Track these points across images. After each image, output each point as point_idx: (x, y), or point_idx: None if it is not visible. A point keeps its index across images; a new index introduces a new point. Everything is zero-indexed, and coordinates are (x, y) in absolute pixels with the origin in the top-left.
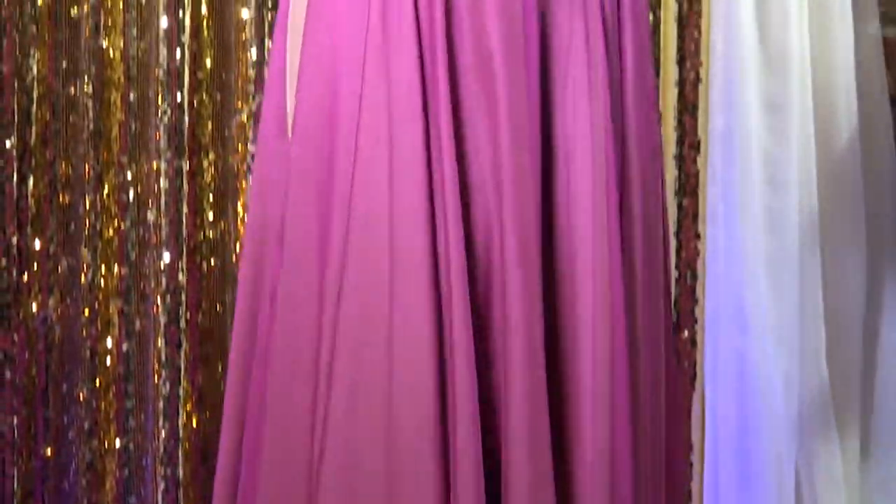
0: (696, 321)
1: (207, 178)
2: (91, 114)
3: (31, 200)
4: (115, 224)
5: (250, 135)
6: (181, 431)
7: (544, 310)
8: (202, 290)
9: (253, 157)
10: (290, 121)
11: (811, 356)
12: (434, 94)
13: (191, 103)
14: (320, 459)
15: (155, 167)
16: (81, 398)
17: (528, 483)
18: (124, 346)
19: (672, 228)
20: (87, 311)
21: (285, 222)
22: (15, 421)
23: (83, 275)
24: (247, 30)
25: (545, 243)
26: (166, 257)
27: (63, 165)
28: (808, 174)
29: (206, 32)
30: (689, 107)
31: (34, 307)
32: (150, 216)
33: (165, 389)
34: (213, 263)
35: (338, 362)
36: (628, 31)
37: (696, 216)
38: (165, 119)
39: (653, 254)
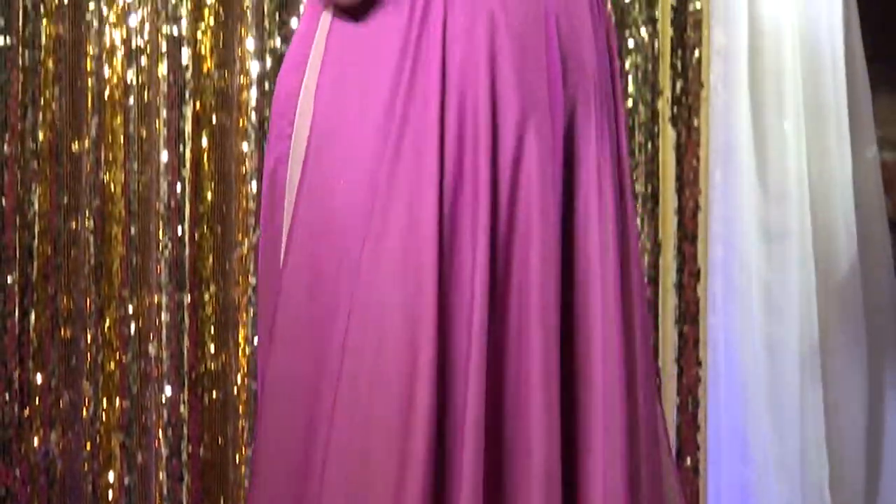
0: (698, 448)
1: (209, 310)
2: (92, 248)
3: (32, 335)
4: (117, 357)
5: (251, 267)
6: None
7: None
8: (204, 423)
9: (254, 289)
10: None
11: (814, 484)
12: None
13: (192, 237)
14: None
15: (156, 301)
16: None
17: None
18: (126, 480)
19: (673, 355)
20: (88, 444)
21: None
22: None
23: (85, 408)
24: (247, 163)
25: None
26: (168, 390)
27: (64, 300)
28: (808, 302)
29: (206, 166)
30: (688, 235)
31: (36, 441)
32: (152, 349)
33: None
34: (214, 396)
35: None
36: (624, 148)
37: (696, 343)
38: (166, 253)
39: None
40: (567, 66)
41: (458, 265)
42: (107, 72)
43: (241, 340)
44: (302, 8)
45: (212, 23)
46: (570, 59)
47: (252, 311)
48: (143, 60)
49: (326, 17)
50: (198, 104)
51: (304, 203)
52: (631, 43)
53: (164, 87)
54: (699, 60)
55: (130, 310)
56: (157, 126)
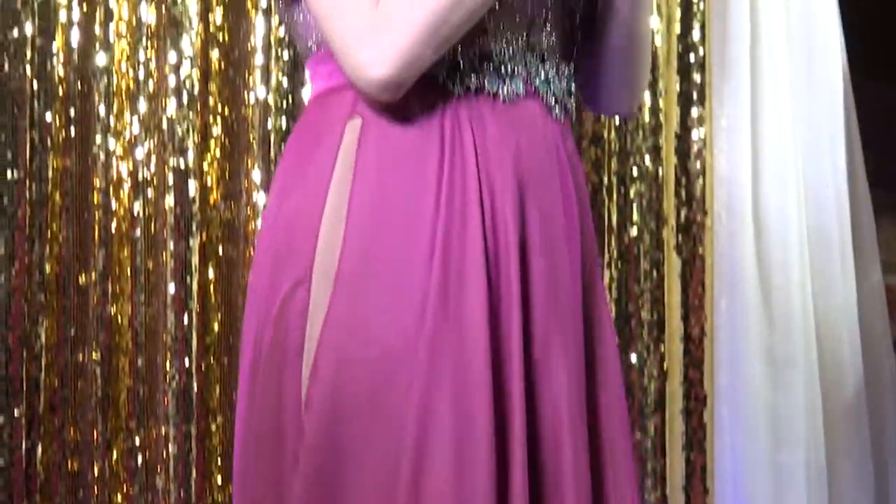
0: None
1: (215, 441)
2: (99, 380)
3: (39, 467)
4: (124, 490)
5: None
6: None
7: None
8: None
9: None
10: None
11: None
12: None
13: (199, 367)
14: None
15: (163, 432)
16: None
17: None
18: None
19: (680, 483)
20: None
21: None
22: None
23: None
24: None
25: None
26: None
27: (72, 432)
28: (814, 428)
29: (213, 297)
30: (694, 361)
31: None
32: (159, 482)
33: None
34: None
35: None
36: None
37: (704, 470)
38: (173, 384)
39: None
40: (578, 197)
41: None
42: (114, 204)
43: None
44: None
45: (218, 154)
46: (577, 189)
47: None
48: (150, 192)
49: (352, 132)
50: (204, 236)
51: (333, 330)
52: (635, 171)
53: (170, 219)
54: (703, 189)
55: (137, 441)
56: (164, 258)
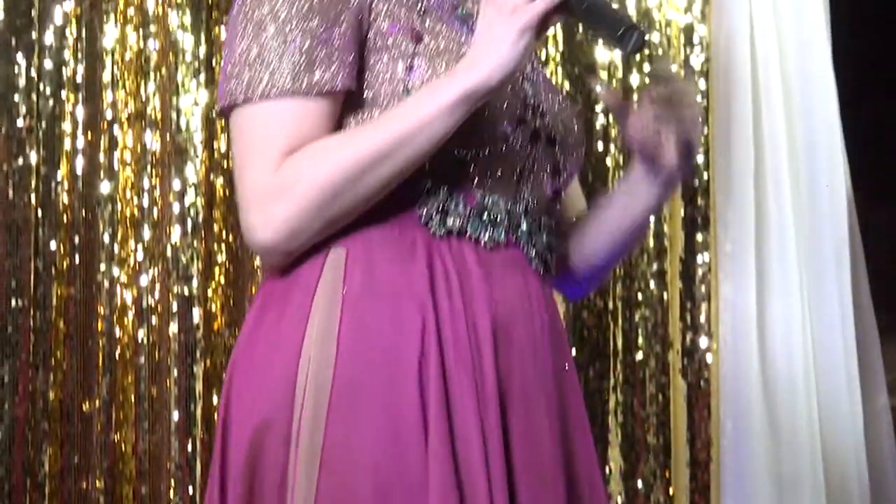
0: None
1: None
2: None
3: None
4: None
5: None
6: None
7: None
8: None
9: None
10: None
11: None
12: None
13: (203, 496)
14: None
15: None
16: None
17: None
18: None
19: None
20: None
21: None
22: None
23: None
24: None
25: None
26: None
27: None
28: None
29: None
30: (700, 487)
31: None
32: None
33: None
34: None
35: None
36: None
37: None
38: None
39: None
40: (554, 353)
41: None
42: (117, 332)
43: None
44: None
45: (222, 281)
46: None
47: None
48: (154, 320)
49: (335, 264)
50: (208, 362)
51: (334, 465)
52: (640, 296)
53: (174, 346)
54: (708, 313)
55: None
56: (168, 385)
